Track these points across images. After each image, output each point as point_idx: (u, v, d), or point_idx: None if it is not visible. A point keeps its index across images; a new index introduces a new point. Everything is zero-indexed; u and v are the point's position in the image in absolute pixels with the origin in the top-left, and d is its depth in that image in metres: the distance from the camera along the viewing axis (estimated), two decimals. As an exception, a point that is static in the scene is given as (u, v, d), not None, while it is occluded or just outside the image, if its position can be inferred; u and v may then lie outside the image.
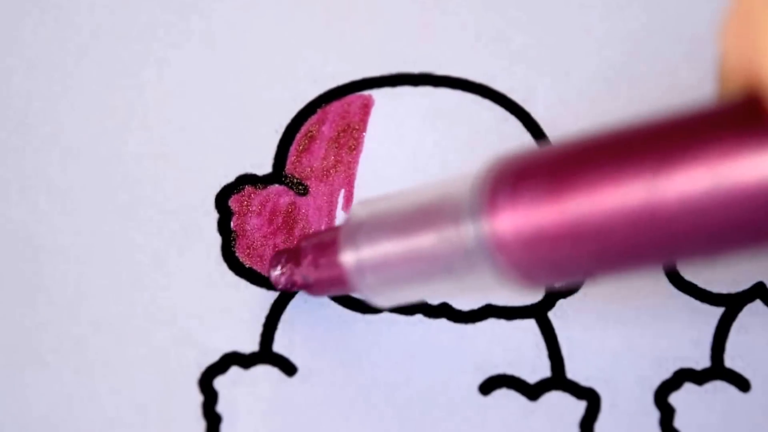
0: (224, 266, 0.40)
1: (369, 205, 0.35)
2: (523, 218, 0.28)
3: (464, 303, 0.39)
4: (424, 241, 0.31)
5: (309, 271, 0.37)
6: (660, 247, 0.26)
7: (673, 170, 0.25)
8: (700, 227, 0.25)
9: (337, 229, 0.36)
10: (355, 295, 0.38)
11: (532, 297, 0.39)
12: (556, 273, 0.29)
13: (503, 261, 0.29)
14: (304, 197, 0.40)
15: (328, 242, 0.36)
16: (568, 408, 0.39)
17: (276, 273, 0.38)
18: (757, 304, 0.40)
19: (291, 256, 0.38)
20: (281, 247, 0.40)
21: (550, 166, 0.28)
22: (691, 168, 0.25)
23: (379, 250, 0.33)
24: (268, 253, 0.40)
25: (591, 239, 0.27)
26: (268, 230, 0.40)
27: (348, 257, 0.34)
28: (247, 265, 0.40)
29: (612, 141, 0.27)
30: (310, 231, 0.40)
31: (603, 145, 0.27)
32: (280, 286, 0.38)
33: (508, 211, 0.28)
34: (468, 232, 0.29)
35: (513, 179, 0.28)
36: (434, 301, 0.38)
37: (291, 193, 0.40)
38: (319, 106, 0.41)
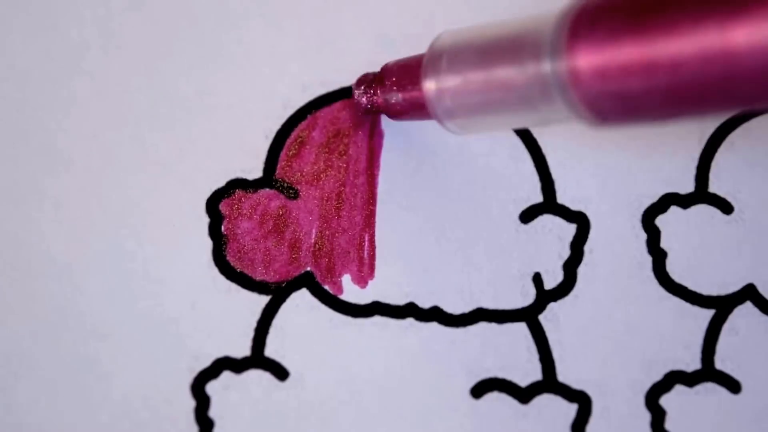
0: (215, 270, 0.40)
1: (454, 34, 0.36)
2: (599, 53, 0.29)
3: (456, 307, 0.39)
4: (504, 72, 0.33)
5: (391, 93, 0.38)
6: (729, 85, 0.28)
7: (745, 10, 0.27)
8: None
9: (421, 55, 0.37)
10: (433, 120, 0.37)
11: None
12: (627, 109, 0.30)
13: (578, 94, 0.30)
14: (294, 201, 0.40)
15: (412, 66, 0.37)
16: (559, 411, 0.39)
17: (359, 92, 0.40)
18: (747, 306, 0.40)
19: (376, 78, 0.39)
20: (272, 251, 0.40)
21: (627, 7, 0.29)
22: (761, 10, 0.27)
23: (459, 77, 0.35)
24: (259, 256, 0.40)
25: (664, 74, 0.28)
26: (259, 234, 0.40)
27: (429, 82, 0.36)
28: (238, 270, 0.40)
29: None
30: (303, 232, 0.40)
31: None
32: (362, 106, 0.40)
33: (586, 46, 0.29)
34: (547, 65, 0.31)
35: (592, 16, 0.30)
36: (507, 129, 0.38)
37: (281, 197, 0.40)
38: (309, 112, 0.41)
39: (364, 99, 0.40)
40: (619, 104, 0.30)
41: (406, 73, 0.38)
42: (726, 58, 0.27)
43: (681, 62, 0.28)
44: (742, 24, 0.27)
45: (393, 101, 0.38)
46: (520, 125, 0.37)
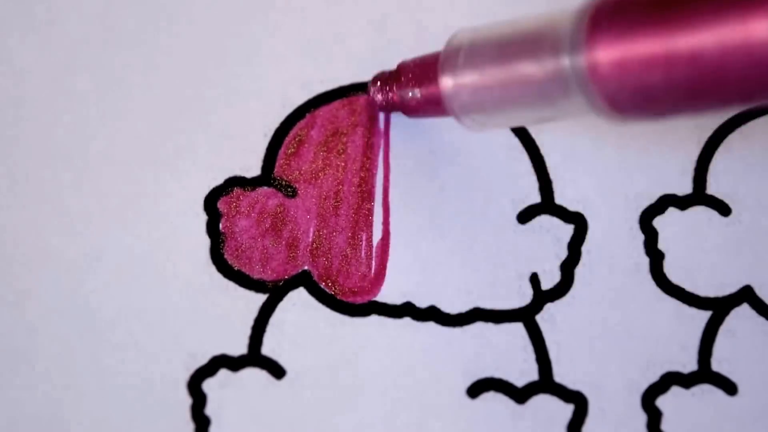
0: (213, 268, 0.40)
1: (470, 31, 0.36)
2: (619, 46, 0.29)
3: (453, 306, 0.39)
4: (523, 67, 0.33)
5: (408, 90, 0.38)
6: (749, 77, 0.28)
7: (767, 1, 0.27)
8: None
9: (437, 52, 0.37)
10: (450, 117, 0.38)
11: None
12: (646, 103, 0.30)
13: (597, 89, 0.30)
14: (292, 199, 0.40)
15: (428, 63, 0.37)
16: (555, 411, 0.39)
17: (375, 89, 0.40)
18: (744, 307, 0.40)
19: (392, 75, 0.39)
20: (270, 249, 0.40)
21: (646, 1, 0.29)
22: None
23: (476, 72, 0.35)
24: (257, 255, 0.40)
25: (684, 67, 0.28)
26: (257, 232, 0.40)
27: (447, 78, 0.36)
28: (235, 268, 0.40)
29: None
30: (300, 230, 0.40)
31: None
32: (378, 104, 0.40)
33: (605, 40, 0.30)
34: (566, 59, 0.31)
35: (612, 10, 0.30)
36: (523, 124, 0.38)
37: (279, 195, 0.40)
38: (308, 111, 0.41)
39: (379, 96, 0.40)
40: (638, 98, 0.30)
41: (423, 69, 0.38)
42: (747, 50, 0.28)
43: (701, 54, 0.28)
44: (763, 15, 0.27)
45: (409, 97, 0.38)
46: (537, 120, 0.38)
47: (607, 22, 0.30)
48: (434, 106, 0.37)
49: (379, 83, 0.40)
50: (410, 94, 0.38)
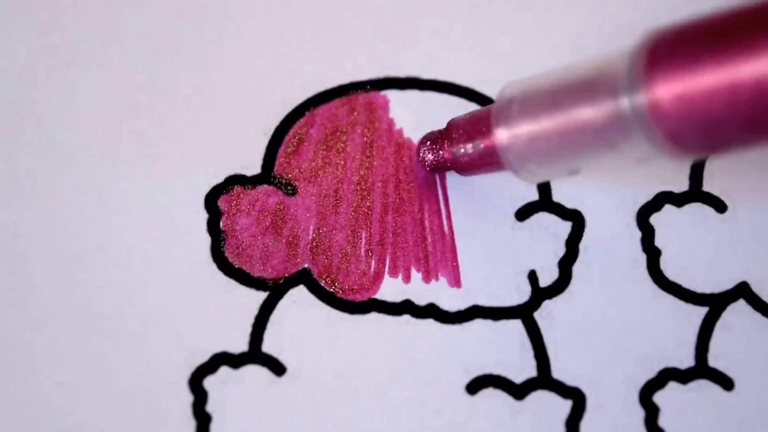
0: (213, 266, 0.40)
1: (521, 82, 0.35)
2: (680, 81, 0.29)
3: (451, 304, 0.40)
4: (580, 112, 0.32)
5: (460, 147, 0.38)
6: None
7: None
8: None
9: (488, 107, 0.37)
10: (506, 171, 0.37)
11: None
12: (710, 138, 0.30)
13: (659, 126, 0.30)
14: (292, 197, 0.41)
15: (480, 117, 0.37)
16: (554, 407, 0.39)
17: (425, 148, 0.40)
18: (741, 303, 0.40)
19: (442, 134, 0.39)
20: (270, 247, 0.40)
21: (705, 33, 0.29)
22: None
23: (532, 122, 0.34)
24: (257, 253, 0.40)
25: (748, 97, 0.28)
26: (257, 230, 0.40)
27: (501, 130, 0.35)
28: (236, 266, 0.40)
29: None
30: (300, 228, 0.40)
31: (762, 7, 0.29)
32: (428, 164, 0.40)
33: (665, 75, 0.29)
34: (624, 101, 0.30)
35: (669, 48, 0.29)
36: (583, 172, 0.37)
37: (279, 193, 0.41)
38: (308, 110, 0.41)
39: (430, 156, 0.40)
40: (702, 133, 0.29)
41: (474, 124, 0.37)
42: None
43: (766, 81, 0.28)
44: None
45: (461, 154, 0.38)
46: (596, 167, 0.36)
47: (666, 56, 0.29)
48: (488, 160, 0.37)
49: (428, 143, 0.40)
50: (462, 150, 0.38)
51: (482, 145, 0.37)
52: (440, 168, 0.40)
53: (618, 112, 0.31)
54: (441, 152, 0.39)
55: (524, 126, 0.34)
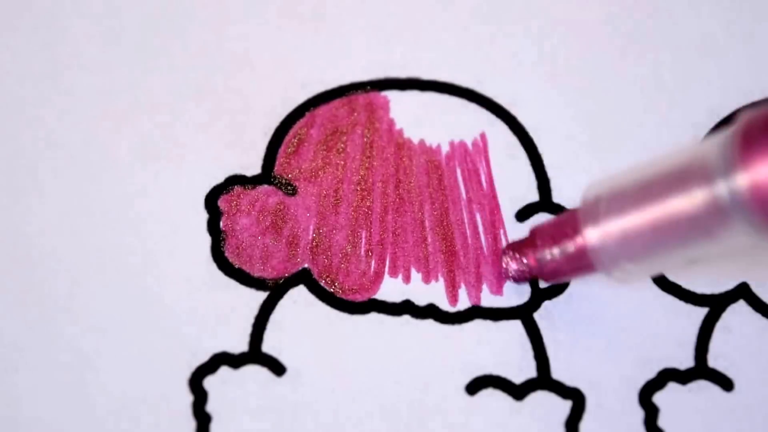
0: (214, 266, 0.40)
1: (606, 180, 0.35)
2: None
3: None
4: (673, 203, 0.31)
5: (546, 252, 0.37)
6: None
7: None
8: None
9: (573, 209, 0.36)
10: (598, 274, 0.37)
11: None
12: None
13: (761, 208, 0.29)
14: (292, 197, 0.41)
15: (565, 220, 0.36)
16: (553, 408, 0.39)
17: (508, 258, 0.39)
18: (741, 304, 0.40)
19: (524, 242, 0.38)
20: (270, 247, 0.40)
21: None
22: None
23: (622, 219, 0.33)
24: (257, 253, 0.40)
25: None
26: (257, 230, 0.40)
27: (591, 230, 0.34)
28: (236, 266, 0.40)
29: None
30: (300, 228, 0.40)
31: None
32: (512, 275, 0.39)
33: (763, 158, 0.28)
34: (721, 185, 0.30)
35: (765, 125, 0.29)
36: (680, 268, 0.36)
37: (280, 193, 0.41)
38: (308, 110, 0.41)
39: (514, 265, 0.39)
40: None
41: (559, 228, 0.37)
42: None
43: None
44: None
45: (548, 260, 0.37)
46: (694, 261, 0.35)
47: (764, 136, 0.28)
48: (577, 264, 0.36)
49: (511, 252, 0.39)
50: (549, 256, 0.37)
51: (571, 248, 0.36)
52: (525, 278, 0.39)
53: (715, 198, 0.30)
54: (525, 260, 0.39)
55: (615, 223, 0.34)
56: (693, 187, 0.31)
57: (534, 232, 0.38)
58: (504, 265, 0.39)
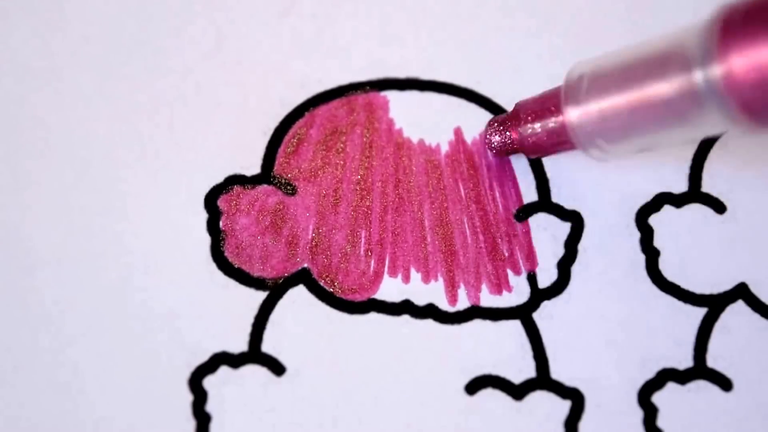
0: (213, 266, 0.40)
1: (591, 60, 0.35)
2: (756, 50, 0.29)
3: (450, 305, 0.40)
4: (651, 87, 0.32)
5: (528, 127, 0.38)
6: None
7: None
8: None
9: (557, 86, 0.37)
10: (576, 151, 0.38)
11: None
12: None
13: (734, 98, 0.30)
14: (292, 197, 0.41)
15: (548, 98, 0.37)
16: (552, 408, 0.39)
17: (492, 130, 0.40)
18: (740, 304, 0.40)
19: (509, 116, 0.39)
20: (270, 247, 0.40)
21: None
22: None
23: (602, 99, 0.34)
24: (257, 252, 0.40)
25: None
26: (257, 230, 0.40)
27: (571, 108, 0.35)
28: (236, 266, 0.40)
29: None
30: (300, 228, 0.40)
31: None
32: (494, 147, 0.40)
33: (740, 46, 0.29)
34: (698, 73, 0.30)
35: (743, 19, 0.29)
36: (654, 149, 0.37)
37: (279, 193, 0.41)
38: (307, 110, 0.41)
39: (497, 137, 0.40)
40: None
41: (542, 104, 0.38)
42: None
43: None
44: None
45: (529, 134, 0.38)
46: (667, 143, 0.36)
47: (740, 27, 0.29)
48: (557, 139, 0.37)
49: (496, 124, 0.40)
50: (530, 130, 0.38)
51: (551, 124, 0.37)
52: (507, 151, 0.40)
53: (691, 84, 0.31)
54: (508, 133, 0.39)
55: (595, 103, 0.35)
56: (671, 72, 0.32)
57: (518, 107, 0.39)
58: (487, 137, 0.40)
